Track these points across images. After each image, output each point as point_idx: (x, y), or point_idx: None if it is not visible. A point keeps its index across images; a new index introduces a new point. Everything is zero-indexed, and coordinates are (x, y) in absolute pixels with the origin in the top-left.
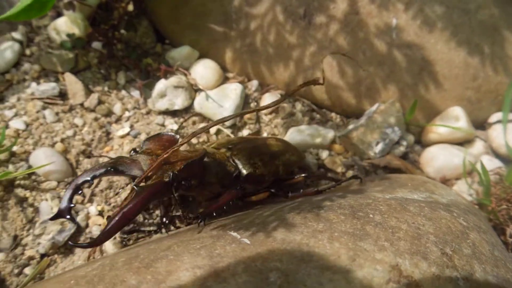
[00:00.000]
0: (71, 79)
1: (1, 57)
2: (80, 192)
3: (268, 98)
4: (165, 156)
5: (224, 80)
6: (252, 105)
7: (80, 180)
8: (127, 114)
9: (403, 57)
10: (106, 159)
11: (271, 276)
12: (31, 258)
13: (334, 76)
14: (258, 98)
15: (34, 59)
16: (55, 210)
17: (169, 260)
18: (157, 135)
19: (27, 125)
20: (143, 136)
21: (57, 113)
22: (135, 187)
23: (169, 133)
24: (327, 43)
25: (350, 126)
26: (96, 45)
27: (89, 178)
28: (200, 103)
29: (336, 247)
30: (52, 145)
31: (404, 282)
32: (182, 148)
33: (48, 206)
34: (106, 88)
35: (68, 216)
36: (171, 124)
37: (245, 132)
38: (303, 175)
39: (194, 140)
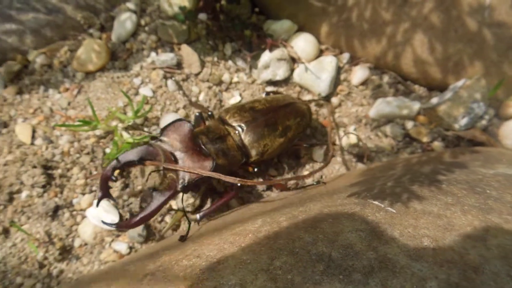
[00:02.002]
0: (188, 51)
1: (122, 27)
2: (114, 178)
3: (358, 71)
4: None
5: (320, 52)
6: (343, 76)
7: (109, 172)
8: (234, 83)
9: (492, 36)
10: None
11: (424, 241)
12: (169, 209)
13: (424, 52)
14: (348, 70)
15: (150, 30)
16: None
17: (330, 223)
18: (173, 124)
19: (153, 92)
20: None
21: (176, 82)
22: (153, 192)
23: (184, 122)
24: (420, 20)
25: (435, 100)
26: (202, 16)
27: (118, 166)
28: (299, 75)
29: (470, 219)
30: (176, 111)
31: None
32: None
33: None
34: (215, 59)
35: (110, 200)
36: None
37: (333, 101)
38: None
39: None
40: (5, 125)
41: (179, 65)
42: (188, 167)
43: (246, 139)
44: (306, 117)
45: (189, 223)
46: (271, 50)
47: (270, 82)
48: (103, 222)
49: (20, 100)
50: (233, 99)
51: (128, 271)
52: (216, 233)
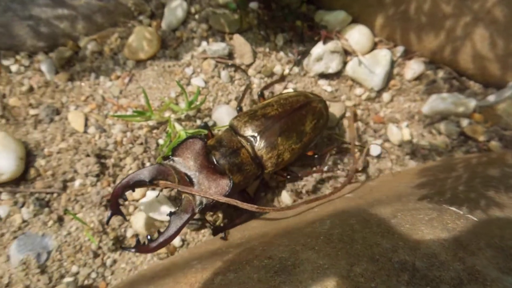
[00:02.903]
0: (240, 41)
1: (173, 15)
2: (125, 197)
3: (412, 65)
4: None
5: (374, 45)
6: (396, 70)
7: (120, 189)
8: (285, 75)
9: None
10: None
11: None
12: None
13: (484, 47)
14: (401, 64)
15: (200, 18)
16: None
17: (407, 229)
18: (185, 142)
19: (205, 82)
20: None
21: (228, 72)
22: (171, 216)
23: (196, 140)
24: (483, 14)
25: (492, 97)
26: (253, 5)
27: (128, 185)
28: (352, 68)
29: None
30: (228, 103)
31: None
32: None
33: None
34: (267, 50)
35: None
36: (326, 86)
37: (385, 96)
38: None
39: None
40: (58, 112)
41: (230, 55)
42: (204, 190)
43: (259, 150)
44: (323, 117)
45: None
46: (325, 42)
47: (322, 75)
48: (122, 248)
49: (71, 87)
50: (285, 90)
51: (194, 268)
52: (283, 233)
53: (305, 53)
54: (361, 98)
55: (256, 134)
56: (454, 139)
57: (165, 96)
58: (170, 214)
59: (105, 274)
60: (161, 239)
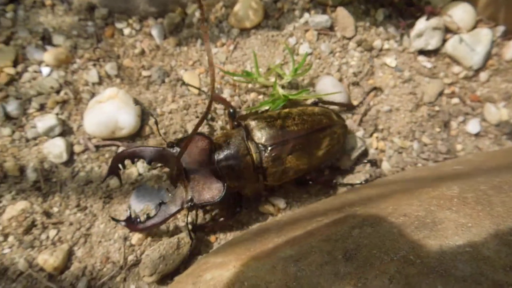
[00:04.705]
0: (344, 14)
1: None
2: (124, 166)
3: None
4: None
5: (475, 24)
6: (495, 50)
7: (122, 156)
8: (385, 50)
9: None
10: None
11: None
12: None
13: None
14: (500, 44)
15: None
16: None
17: None
18: (192, 137)
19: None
20: (406, 73)
21: (330, 45)
22: (160, 205)
23: (203, 138)
24: None
25: None
26: None
27: (129, 156)
28: (453, 45)
29: None
30: (329, 74)
31: None
32: None
33: None
34: (367, 24)
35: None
36: (425, 62)
37: (482, 75)
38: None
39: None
40: (168, 74)
41: (331, 28)
42: (197, 190)
43: (266, 162)
44: (339, 144)
45: (192, 239)
46: (428, 18)
47: (421, 52)
48: (112, 218)
49: (179, 52)
50: (384, 65)
51: (323, 222)
52: (407, 195)
53: (410, 26)
54: (459, 76)
55: (268, 145)
56: None
57: (270, 63)
58: (161, 203)
59: (214, 228)
60: (148, 224)
